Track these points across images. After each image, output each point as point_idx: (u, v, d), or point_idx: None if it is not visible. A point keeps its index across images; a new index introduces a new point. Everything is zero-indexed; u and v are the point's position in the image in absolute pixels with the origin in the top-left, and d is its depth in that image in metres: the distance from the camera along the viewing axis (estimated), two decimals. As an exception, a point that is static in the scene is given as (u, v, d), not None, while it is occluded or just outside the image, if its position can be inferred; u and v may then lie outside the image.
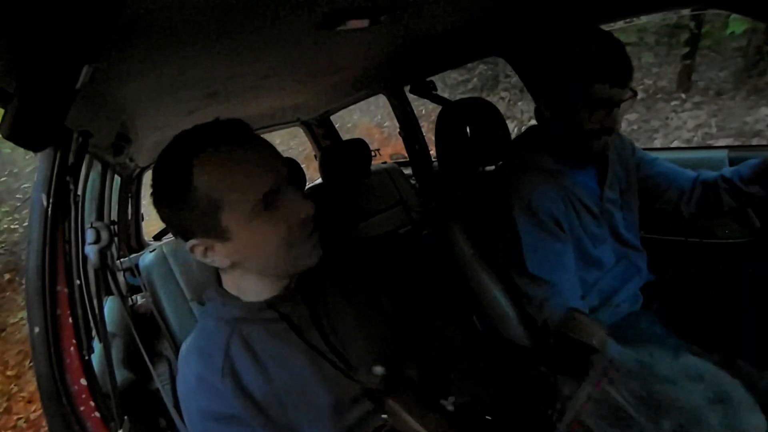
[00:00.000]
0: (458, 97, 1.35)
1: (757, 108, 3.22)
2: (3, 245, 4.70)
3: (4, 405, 3.09)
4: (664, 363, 0.36)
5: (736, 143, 3.05)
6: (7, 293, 4.27)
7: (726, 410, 0.32)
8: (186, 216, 0.59)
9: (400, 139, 2.03)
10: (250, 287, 0.67)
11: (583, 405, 0.37)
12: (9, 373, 3.40)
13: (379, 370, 0.63)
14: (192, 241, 0.60)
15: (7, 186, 5.13)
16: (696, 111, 3.57)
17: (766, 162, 0.92)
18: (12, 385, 3.27)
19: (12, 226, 4.84)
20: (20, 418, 2.96)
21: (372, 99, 2.29)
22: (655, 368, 0.36)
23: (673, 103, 3.78)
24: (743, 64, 3.61)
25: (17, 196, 5.10)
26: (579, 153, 0.93)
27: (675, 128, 3.53)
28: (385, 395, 0.60)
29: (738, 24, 3.22)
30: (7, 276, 4.41)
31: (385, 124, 5.96)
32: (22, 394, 3.18)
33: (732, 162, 1.20)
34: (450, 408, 0.65)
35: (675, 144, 3.39)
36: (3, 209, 4.96)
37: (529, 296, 0.95)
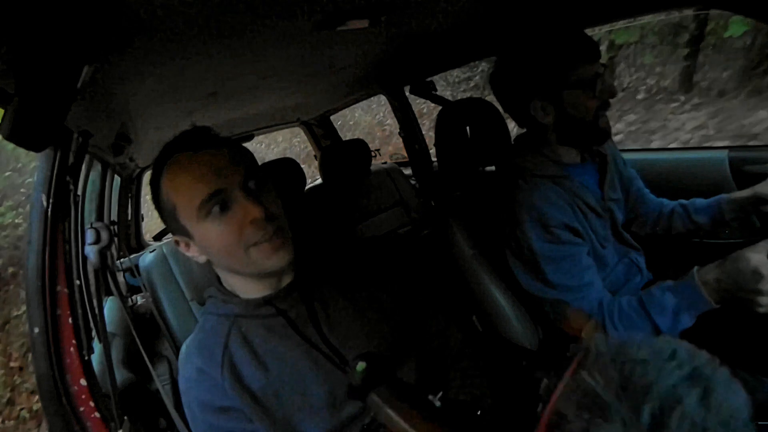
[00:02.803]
0: (460, 94, 1.34)
1: (756, 110, 3.19)
2: (7, 239, 4.74)
3: (8, 396, 3.15)
4: (638, 343, 0.36)
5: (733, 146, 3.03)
6: (11, 287, 4.32)
7: (703, 388, 0.31)
8: (162, 216, 0.65)
9: (401, 138, 2.03)
10: (240, 285, 0.69)
11: (560, 394, 0.36)
12: (12, 364, 3.45)
13: (360, 365, 0.63)
14: (175, 237, 0.67)
15: (11, 181, 5.22)
16: (694, 112, 3.53)
17: (715, 200, 1.05)
18: (15, 377, 3.32)
19: (16, 221, 4.89)
20: (23, 409, 3.01)
21: (374, 98, 2.28)
22: (629, 350, 0.35)
23: (672, 104, 3.75)
24: (744, 64, 3.59)
25: (21, 191, 5.17)
26: (590, 135, 0.94)
27: (674, 130, 3.50)
28: (368, 390, 0.60)
29: (737, 26, 3.17)
30: (11, 270, 4.45)
31: (387, 123, 5.96)
32: (25, 386, 3.22)
33: (732, 162, 1.20)
34: (437, 403, 0.65)
35: (673, 146, 3.38)
36: (7, 204, 5.02)
37: (551, 299, 0.94)
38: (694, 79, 3.84)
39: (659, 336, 0.37)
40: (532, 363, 1.07)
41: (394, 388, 0.62)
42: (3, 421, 2.93)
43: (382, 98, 2.42)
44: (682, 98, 3.75)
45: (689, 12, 3.44)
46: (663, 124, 3.59)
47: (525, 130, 1.04)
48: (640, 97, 4.04)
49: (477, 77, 5.48)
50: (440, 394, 0.66)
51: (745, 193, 0.99)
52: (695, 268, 0.80)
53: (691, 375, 0.32)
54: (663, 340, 0.35)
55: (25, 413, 2.97)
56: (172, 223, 0.65)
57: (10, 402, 3.10)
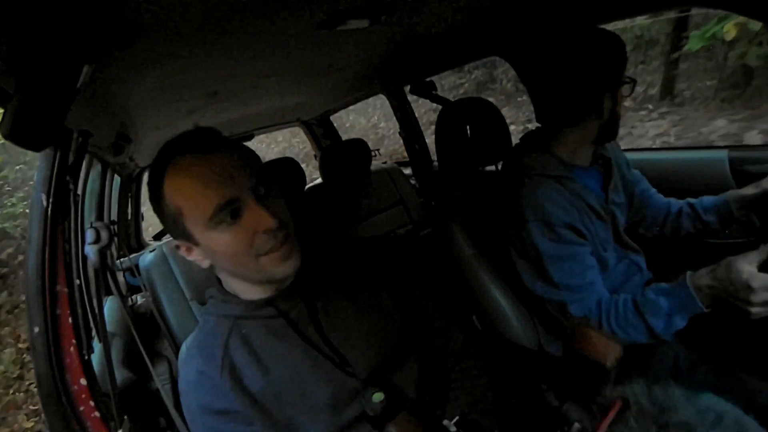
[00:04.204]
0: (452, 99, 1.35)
1: (716, 119, 3.26)
2: (18, 229, 4.87)
3: (17, 372, 3.38)
4: (681, 405, 0.34)
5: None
6: (20, 274, 4.45)
7: None
8: (162, 220, 0.63)
9: (393, 140, 2.04)
10: (242, 288, 0.69)
11: None
12: (21, 345, 3.67)
13: (378, 395, 0.63)
14: (175, 241, 0.64)
15: (23, 174, 5.42)
16: (660, 120, 3.63)
17: (722, 198, 1.05)
18: (24, 355, 3.53)
19: (27, 211, 5.02)
20: (31, 384, 3.20)
21: (369, 100, 2.28)
22: (671, 411, 0.34)
23: (641, 112, 3.83)
24: (723, 74, 3.61)
25: (31, 183, 5.32)
26: (615, 132, 0.97)
27: (638, 137, 3.59)
28: (386, 421, 0.60)
29: (696, 41, 3.13)
30: (20, 258, 4.58)
31: (380, 126, 6.05)
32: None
33: (732, 162, 1.20)
34: (452, 428, 0.65)
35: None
36: (19, 195, 5.18)
37: (555, 301, 0.94)
38: (679, 88, 3.88)
39: (703, 395, 0.35)
40: (550, 383, 1.03)
41: (410, 415, 0.62)
42: (14, 393, 3.18)
43: (377, 101, 2.41)
44: (650, 106, 3.85)
45: (692, 13, 3.43)
46: (629, 131, 3.67)
47: (540, 127, 1.03)
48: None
49: (467, 84, 5.55)
50: (456, 418, 0.66)
51: (751, 189, 0.99)
52: (688, 273, 0.81)
53: None
54: (708, 401, 0.33)
55: (33, 388, 3.17)
56: (174, 228, 0.62)
57: (20, 377, 3.35)
